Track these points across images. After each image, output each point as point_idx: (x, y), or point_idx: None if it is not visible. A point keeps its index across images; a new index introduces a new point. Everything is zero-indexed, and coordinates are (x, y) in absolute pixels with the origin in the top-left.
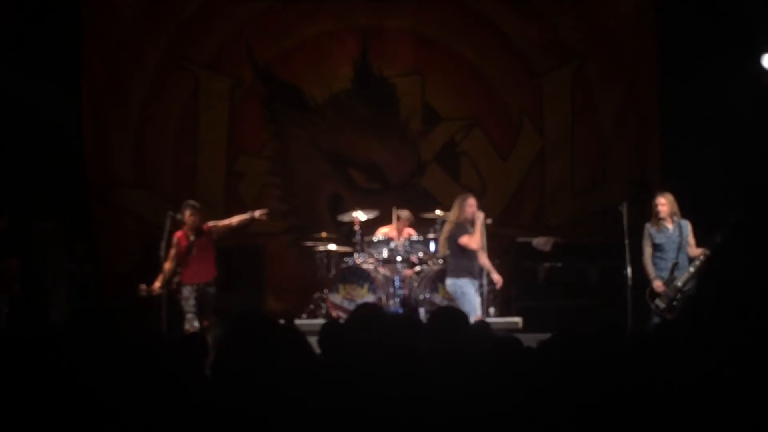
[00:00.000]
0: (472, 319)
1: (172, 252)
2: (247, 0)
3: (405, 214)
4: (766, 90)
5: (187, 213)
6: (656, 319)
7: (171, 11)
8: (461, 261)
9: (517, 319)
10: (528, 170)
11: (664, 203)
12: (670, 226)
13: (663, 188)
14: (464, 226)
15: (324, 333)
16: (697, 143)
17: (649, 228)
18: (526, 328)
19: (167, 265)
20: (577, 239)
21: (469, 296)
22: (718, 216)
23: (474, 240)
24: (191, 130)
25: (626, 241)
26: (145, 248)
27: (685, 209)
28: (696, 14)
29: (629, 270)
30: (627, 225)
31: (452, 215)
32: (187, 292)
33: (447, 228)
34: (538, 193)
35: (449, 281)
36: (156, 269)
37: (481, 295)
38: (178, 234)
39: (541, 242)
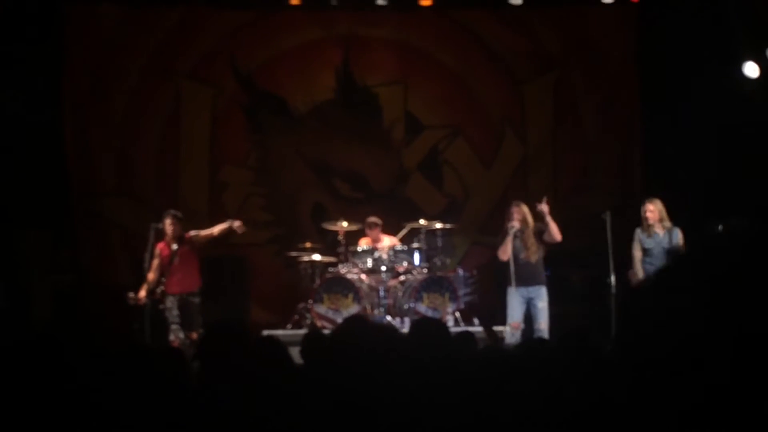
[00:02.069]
0: (508, 326)
1: (155, 262)
2: (230, 10)
3: (372, 219)
4: (748, 98)
5: (167, 222)
6: None
7: (153, 22)
8: (505, 270)
9: (501, 328)
10: (510, 178)
11: (652, 209)
12: (660, 231)
13: (648, 195)
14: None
15: (306, 344)
16: (680, 151)
17: (639, 233)
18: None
19: (150, 276)
20: (561, 247)
21: (509, 304)
22: (701, 224)
23: (501, 251)
24: (174, 140)
25: (610, 249)
26: (129, 258)
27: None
28: (678, 23)
29: (613, 278)
30: (610, 233)
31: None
32: (170, 302)
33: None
34: (521, 201)
35: None
36: (140, 279)
37: (464, 304)
38: (160, 244)
39: None
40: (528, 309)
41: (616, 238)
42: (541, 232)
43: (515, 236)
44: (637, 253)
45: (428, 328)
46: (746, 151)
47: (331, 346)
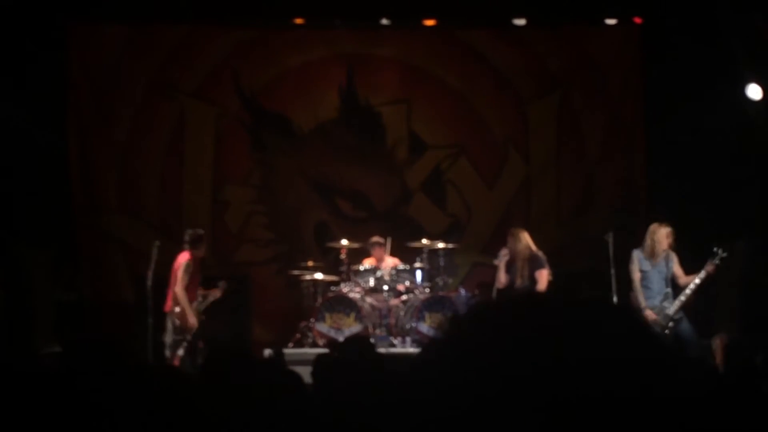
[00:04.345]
0: None
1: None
2: (233, 29)
3: (375, 239)
4: (751, 119)
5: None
6: None
7: (157, 40)
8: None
9: None
10: (513, 198)
11: (669, 235)
12: (659, 256)
13: (651, 217)
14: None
15: (319, 366)
16: (683, 172)
17: (638, 255)
18: None
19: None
20: (563, 267)
21: None
22: (704, 245)
23: (496, 279)
24: (177, 158)
25: (612, 270)
26: (132, 276)
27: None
28: (681, 44)
29: (615, 299)
30: (613, 254)
31: None
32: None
33: None
34: (524, 221)
35: None
36: (143, 297)
37: None
38: (188, 257)
39: None
40: None
41: (618, 259)
42: (534, 261)
43: (511, 263)
44: (637, 275)
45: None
46: (749, 172)
47: (344, 368)
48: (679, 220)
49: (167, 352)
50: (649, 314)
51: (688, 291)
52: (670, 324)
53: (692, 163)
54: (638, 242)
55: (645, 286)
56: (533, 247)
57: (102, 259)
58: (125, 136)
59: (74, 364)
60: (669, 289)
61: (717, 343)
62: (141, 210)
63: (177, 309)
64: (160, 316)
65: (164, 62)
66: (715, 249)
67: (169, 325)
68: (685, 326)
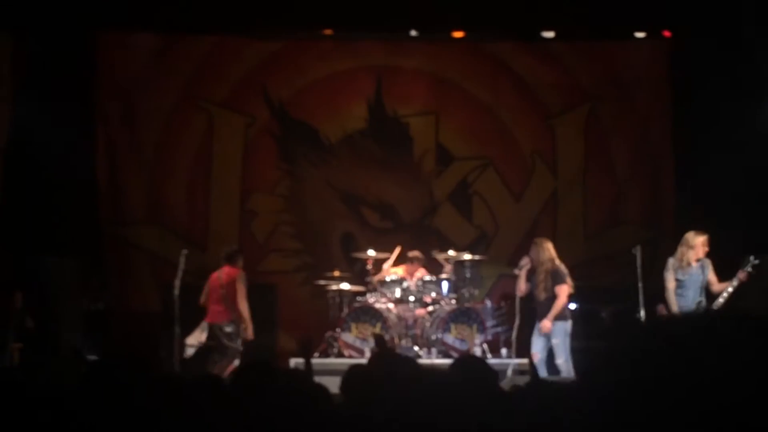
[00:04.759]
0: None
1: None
2: (262, 39)
3: (415, 254)
4: None
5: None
6: None
7: (186, 51)
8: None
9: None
10: (540, 211)
11: (704, 243)
12: (694, 264)
13: (680, 229)
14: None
15: (350, 378)
16: (710, 186)
17: (674, 263)
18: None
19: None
20: (590, 281)
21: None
22: (731, 260)
23: (516, 287)
24: (205, 168)
25: (640, 284)
26: (159, 285)
27: None
28: (710, 59)
29: (642, 312)
30: (641, 268)
31: None
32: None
33: None
34: (550, 235)
35: None
36: (170, 306)
37: (491, 336)
38: (239, 270)
39: None
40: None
41: (646, 273)
42: (556, 275)
43: (532, 273)
44: (672, 284)
45: (471, 366)
46: None
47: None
48: (706, 232)
49: (216, 360)
50: None
51: (720, 300)
52: None
53: (720, 178)
54: (666, 256)
55: (679, 294)
56: (556, 260)
57: (129, 268)
58: (153, 145)
59: (98, 380)
60: (702, 298)
61: None
62: (168, 219)
63: (225, 321)
64: (189, 325)
65: (193, 72)
66: (750, 257)
67: (217, 334)
68: None
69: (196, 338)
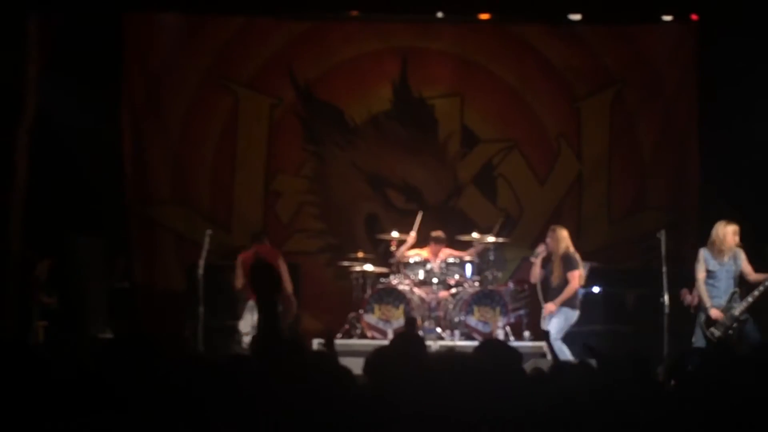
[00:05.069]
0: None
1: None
2: (288, 21)
3: (438, 234)
4: None
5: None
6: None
7: (212, 31)
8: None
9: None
10: (565, 195)
11: (736, 232)
12: (726, 255)
13: (708, 216)
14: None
15: (374, 361)
16: (736, 172)
17: (706, 254)
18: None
19: None
20: (614, 265)
21: None
22: (757, 246)
23: (531, 274)
24: (230, 148)
25: (664, 269)
26: (183, 265)
27: None
28: (737, 43)
29: (666, 297)
30: (665, 252)
31: None
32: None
33: None
34: (575, 218)
35: None
36: (195, 286)
37: (514, 318)
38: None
39: None
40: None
41: (670, 257)
42: (568, 261)
43: (547, 260)
44: (702, 275)
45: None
46: None
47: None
48: (731, 219)
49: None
50: (715, 313)
51: (756, 292)
52: (735, 325)
53: (745, 163)
54: (690, 241)
55: (712, 285)
56: (571, 248)
57: (154, 248)
58: (179, 125)
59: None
60: (737, 288)
61: None
62: (193, 199)
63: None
64: (213, 305)
65: (219, 53)
66: None
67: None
68: (751, 328)
69: (249, 323)
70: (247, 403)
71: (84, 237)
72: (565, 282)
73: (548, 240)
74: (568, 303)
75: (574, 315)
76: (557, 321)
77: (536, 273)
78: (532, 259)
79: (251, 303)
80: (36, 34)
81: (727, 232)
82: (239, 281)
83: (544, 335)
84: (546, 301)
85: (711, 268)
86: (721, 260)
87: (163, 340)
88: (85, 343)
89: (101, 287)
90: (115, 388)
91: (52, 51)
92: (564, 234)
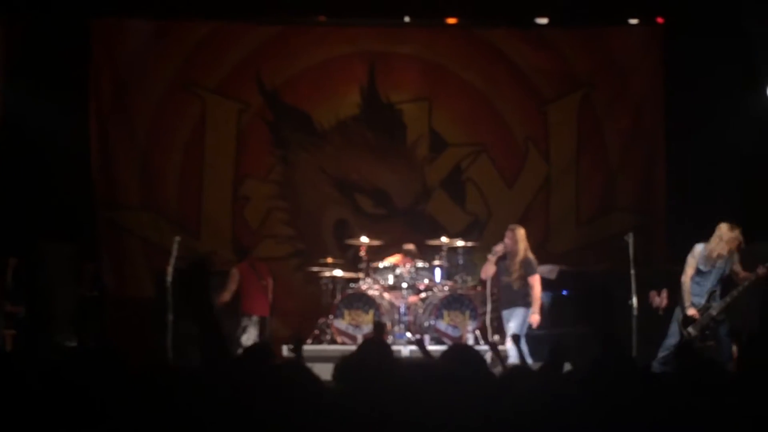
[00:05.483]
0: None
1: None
2: (256, 26)
3: (411, 248)
4: None
5: None
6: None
7: (180, 36)
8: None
9: (502, 347)
10: (533, 198)
11: (739, 238)
12: (722, 257)
13: (671, 218)
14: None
15: (342, 367)
16: (703, 173)
17: (702, 251)
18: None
19: None
20: (583, 268)
21: None
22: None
23: (482, 270)
24: (198, 153)
25: (632, 271)
26: (152, 271)
27: (691, 241)
28: (702, 45)
29: (635, 299)
30: (633, 255)
31: None
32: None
33: None
34: (543, 221)
35: None
36: (163, 293)
37: (484, 322)
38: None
39: (546, 270)
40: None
41: (638, 260)
42: (528, 265)
43: (503, 258)
44: (690, 270)
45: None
46: None
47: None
48: (698, 220)
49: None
50: (692, 312)
51: (735, 292)
52: (711, 324)
53: (712, 164)
54: (658, 243)
55: (697, 282)
56: (529, 250)
57: (123, 254)
58: (146, 131)
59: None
60: (718, 288)
61: (735, 349)
62: (161, 205)
63: (267, 315)
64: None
65: (187, 58)
66: None
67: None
68: (725, 330)
69: (252, 337)
70: (217, 411)
71: (51, 243)
72: (525, 285)
73: (507, 240)
74: (525, 303)
75: (529, 313)
76: (516, 323)
77: (489, 270)
78: (489, 257)
79: (255, 318)
80: (1, 39)
81: (732, 237)
82: (228, 294)
83: (515, 339)
84: (493, 299)
85: (702, 268)
86: (716, 263)
87: (131, 347)
88: (52, 352)
89: (69, 294)
90: (84, 398)
91: (18, 56)
92: (522, 234)
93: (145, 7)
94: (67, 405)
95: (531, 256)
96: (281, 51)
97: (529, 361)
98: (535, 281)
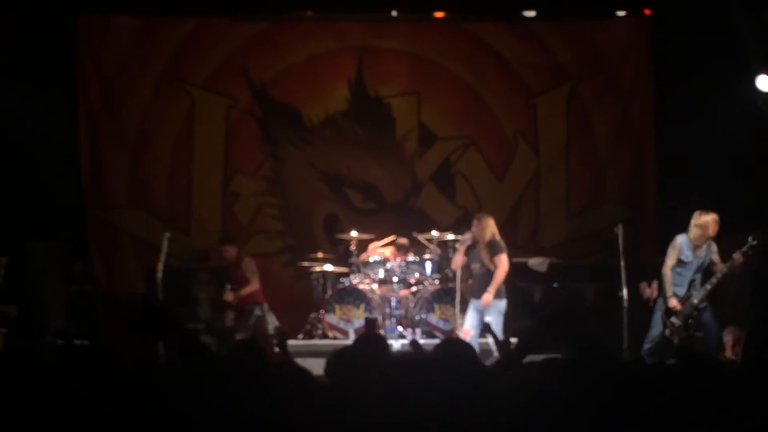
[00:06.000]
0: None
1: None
2: (243, 21)
3: (405, 242)
4: (760, 112)
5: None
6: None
7: (167, 33)
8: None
9: (513, 339)
10: (523, 191)
11: (716, 222)
12: (703, 245)
13: (660, 209)
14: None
15: (336, 362)
16: (692, 164)
17: (684, 242)
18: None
19: None
20: (573, 260)
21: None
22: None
23: (452, 261)
24: (187, 150)
25: (622, 263)
26: (142, 269)
27: (680, 232)
28: (690, 37)
29: (625, 291)
30: (623, 247)
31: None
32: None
33: None
34: (534, 214)
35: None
36: (154, 290)
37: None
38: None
39: (536, 263)
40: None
41: (628, 252)
42: (494, 246)
43: (473, 247)
44: (671, 261)
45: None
46: (760, 164)
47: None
48: (688, 212)
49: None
50: (674, 303)
51: (714, 279)
52: (694, 313)
53: (702, 155)
54: (649, 234)
55: (678, 273)
56: (497, 235)
57: (113, 252)
58: (135, 128)
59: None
60: (698, 277)
61: (728, 338)
62: (150, 202)
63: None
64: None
65: (174, 55)
66: (749, 238)
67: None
68: (708, 316)
69: (274, 321)
70: (207, 408)
71: (41, 242)
72: (490, 268)
73: (474, 228)
74: (497, 294)
75: (504, 303)
76: (493, 314)
77: (458, 260)
78: (458, 246)
79: (266, 305)
80: None
81: (709, 222)
82: (257, 282)
83: (486, 328)
84: (465, 288)
85: (684, 258)
86: (697, 252)
87: (122, 345)
88: (43, 351)
89: (60, 292)
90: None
91: (5, 55)
92: (490, 222)
93: (131, 5)
94: (59, 404)
95: (498, 238)
96: (269, 46)
97: (495, 353)
98: (500, 261)
